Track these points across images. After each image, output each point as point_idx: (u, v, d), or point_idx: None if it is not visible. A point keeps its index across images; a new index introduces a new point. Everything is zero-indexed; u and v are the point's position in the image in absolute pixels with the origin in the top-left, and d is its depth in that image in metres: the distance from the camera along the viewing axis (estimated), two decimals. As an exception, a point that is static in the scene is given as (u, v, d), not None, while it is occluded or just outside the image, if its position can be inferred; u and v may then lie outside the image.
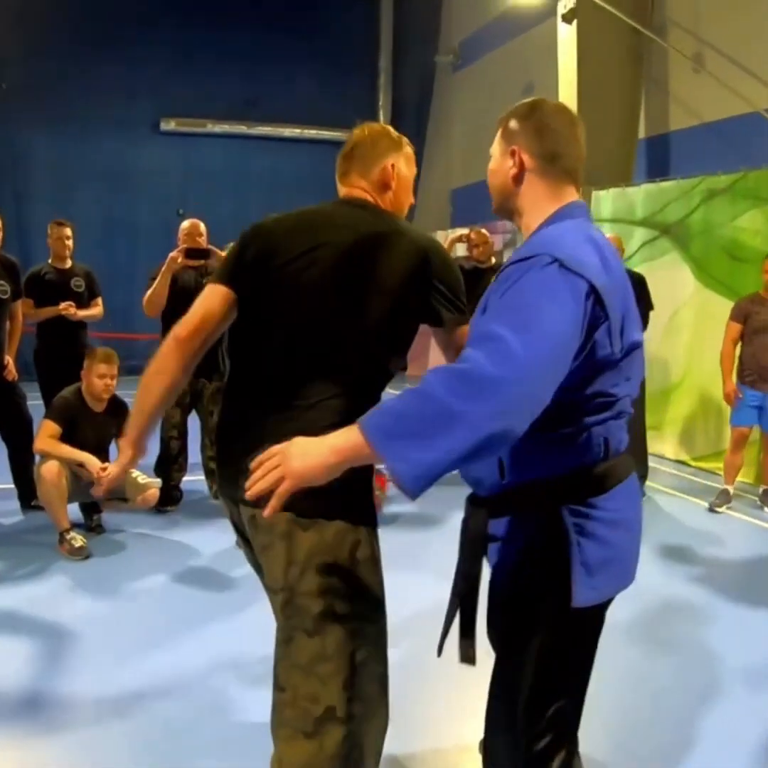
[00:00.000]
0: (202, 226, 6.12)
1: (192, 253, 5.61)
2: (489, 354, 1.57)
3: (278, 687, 2.19)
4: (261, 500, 2.02)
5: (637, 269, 7.45)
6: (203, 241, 6.02)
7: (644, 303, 6.70)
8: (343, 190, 2.42)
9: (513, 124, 2.05)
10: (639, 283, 6.73)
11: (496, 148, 2.10)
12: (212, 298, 2.32)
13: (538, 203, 2.01)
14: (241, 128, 14.67)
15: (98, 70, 13.14)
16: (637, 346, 1.88)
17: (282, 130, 14.90)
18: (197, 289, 5.76)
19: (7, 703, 3.44)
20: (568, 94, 9.62)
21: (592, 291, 1.71)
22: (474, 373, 1.55)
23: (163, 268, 5.57)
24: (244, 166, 14.60)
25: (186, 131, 14.44)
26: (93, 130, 13.62)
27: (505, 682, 1.99)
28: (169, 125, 14.33)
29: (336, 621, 2.11)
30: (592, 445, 1.87)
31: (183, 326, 2.28)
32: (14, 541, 5.47)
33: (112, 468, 2.60)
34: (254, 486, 1.72)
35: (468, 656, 1.94)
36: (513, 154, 2.02)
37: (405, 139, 2.50)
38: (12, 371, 5.98)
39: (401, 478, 1.55)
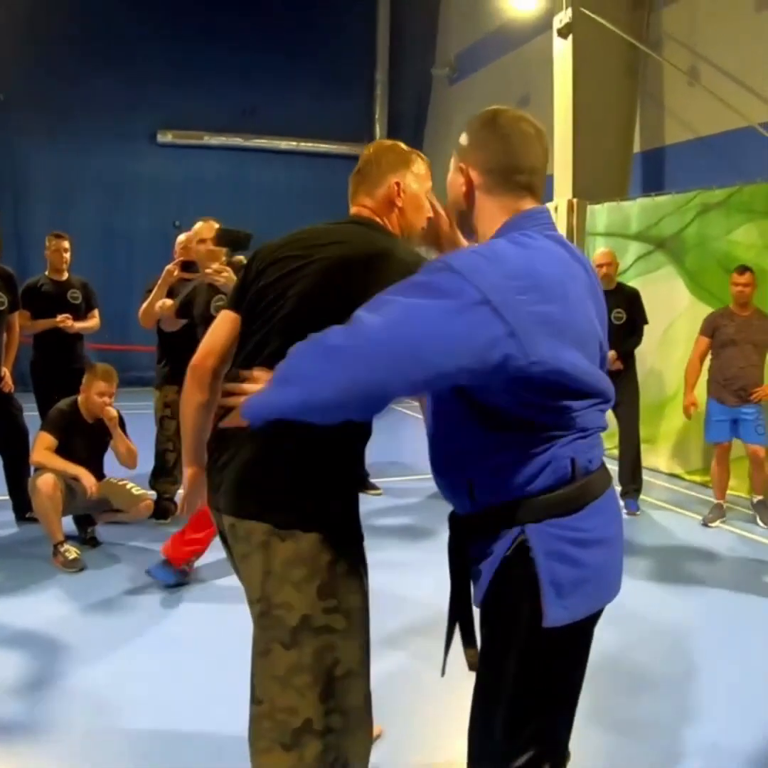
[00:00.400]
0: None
1: (188, 265, 5.62)
2: (345, 330, 1.67)
3: (255, 699, 2.19)
4: (240, 509, 2.17)
5: (631, 283, 7.48)
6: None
7: (638, 317, 6.74)
8: (352, 209, 2.44)
9: (463, 138, 1.98)
10: (633, 297, 6.76)
11: (451, 162, 2.02)
12: (221, 323, 2.44)
13: (493, 218, 1.93)
14: (238, 140, 14.70)
15: (97, 82, 13.16)
16: (582, 363, 1.79)
17: (279, 142, 14.94)
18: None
19: (2, 715, 3.44)
20: (563, 107, 9.65)
21: (485, 300, 1.64)
22: (323, 343, 1.68)
23: (160, 281, 5.59)
24: (241, 179, 14.63)
25: (183, 143, 14.48)
26: (91, 142, 13.64)
27: (484, 700, 1.97)
28: (166, 137, 14.36)
29: (313, 633, 2.11)
30: (558, 466, 1.83)
31: (196, 353, 2.44)
32: (8, 553, 5.47)
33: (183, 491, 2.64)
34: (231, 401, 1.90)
35: (474, 664, 1.99)
36: (462, 170, 1.96)
37: (416, 154, 2.49)
38: (8, 383, 5.99)
39: (244, 409, 1.80)
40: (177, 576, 4.88)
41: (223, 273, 4.53)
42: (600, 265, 6.60)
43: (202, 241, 5.10)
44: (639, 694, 3.74)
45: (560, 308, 1.75)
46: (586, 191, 9.35)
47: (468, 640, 2.02)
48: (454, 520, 2.01)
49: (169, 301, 5.49)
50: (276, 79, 14.30)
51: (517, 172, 1.91)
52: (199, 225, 5.32)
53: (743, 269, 6.38)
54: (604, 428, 1.94)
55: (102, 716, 3.44)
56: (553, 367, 1.71)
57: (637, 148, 10.10)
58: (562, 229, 9.13)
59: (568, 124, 9.54)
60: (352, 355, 1.64)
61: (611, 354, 6.03)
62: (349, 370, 1.64)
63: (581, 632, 1.93)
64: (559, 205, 9.40)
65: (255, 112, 14.44)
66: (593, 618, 1.94)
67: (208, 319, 4.89)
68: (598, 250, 7.56)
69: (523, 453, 1.82)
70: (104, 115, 13.55)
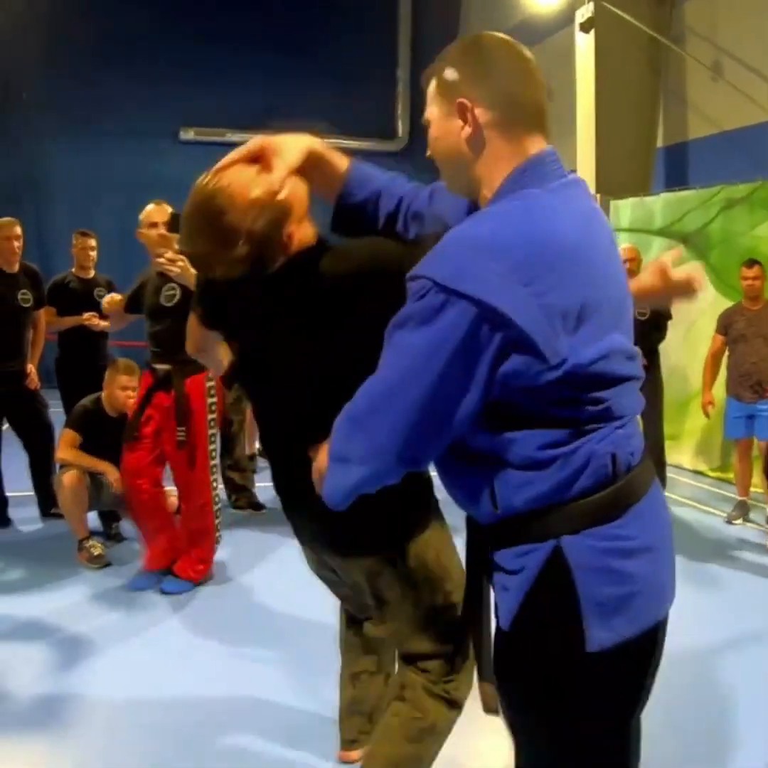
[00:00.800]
0: None
1: None
2: (361, 391, 1.56)
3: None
4: (339, 549, 2.29)
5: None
6: None
7: (662, 312, 6.69)
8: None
9: (451, 72, 1.60)
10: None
11: (433, 109, 1.64)
12: (193, 323, 2.65)
13: (502, 167, 1.59)
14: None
15: (118, 80, 13.20)
16: (617, 346, 1.55)
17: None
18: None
19: (25, 708, 3.49)
20: (585, 103, 9.62)
21: (478, 308, 1.40)
22: (350, 413, 1.58)
23: None
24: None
25: (205, 140, 14.50)
26: (113, 141, 13.67)
27: (529, 737, 1.71)
28: (188, 135, 14.41)
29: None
30: (597, 465, 1.56)
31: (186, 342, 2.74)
32: (33, 548, 5.51)
33: None
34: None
35: (491, 704, 1.75)
36: (462, 109, 1.57)
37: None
38: (34, 380, 6.03)
39: (326, 498, 1.66)
40: (192, 584, 4.84)
41: (177, 262, 4.21)
42: (624, 261, 6.56)
43: (153, 225, 4.72)
44: (656, 693, 3.72)
45: (583, 286, 1.48)
46: (609, 187, 9.31)
47: (485, 672, 1.75)
48: (473, 526, 1.76)
49: (117, 297, 5.24)
50: (297, 76, 14.29)
51: (524, 103, 1.60)
52: (149, 207, 4.90)
53: (751, 263, 6.35)
54: (640, 410, 1.68)
55: (122, 712, 3.47)
56: (578, 364, 1.47)
57: (659, 143, 10.05)
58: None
59: (590, 119, 9.51)
60: (372, 423, 1.53)
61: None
62: (377, 438, 1.53)
63: (637, 648, 1.66)
64: (581, 201, 9.36)
65: (277, 109, 14.38)
66: (652, 631, 1.67)
67: (158, 311, 4.64)
68: (622, 245, 7.52)
69: (555, 450, 1.54)
70: (125, 114, 13.58)
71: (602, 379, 1.53)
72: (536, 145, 1.60)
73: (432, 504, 2.36)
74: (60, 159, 13.49)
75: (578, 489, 1.55)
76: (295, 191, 2.01)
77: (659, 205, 8.67)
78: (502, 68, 1.59)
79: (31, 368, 6.03)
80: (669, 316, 6.74)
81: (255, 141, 1.98)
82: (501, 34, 1.67)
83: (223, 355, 2.88)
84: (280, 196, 1.95)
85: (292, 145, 1.94)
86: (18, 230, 5.98)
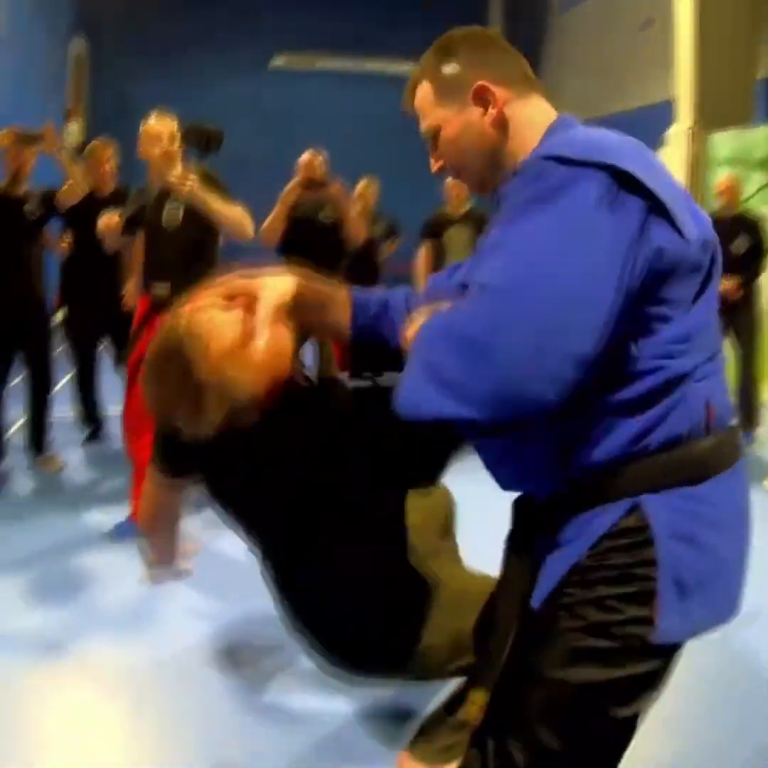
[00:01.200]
0: (321, 158, 6.07)
1: (310, 184, 5.67)
2: (474, 309, 1.24)
3: None
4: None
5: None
6: (322, 173, 5.96)
7: (762, 244, 6.51)
8: None
9: (450, 67, 1.53)
10: (756, 225, 6.53)
11: (439, 112, 1.55)
12: None
13: (532, 130, 1.50)
14: (351, 65, 14.62)
15: (203, 9, 13.29)
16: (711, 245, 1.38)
17: (391, 67, 14.80)
18: (314, 219, 5.72)
19: (115, 616, 3.61)
20: (685, 31, 9.33)
21: (610, 172, 1.26)
22: (460, 332, 1.24)
23: (281, 198, 5.69)
24: (355, 104, 14.57)
25: (294, 69, 14.48)
26: (204, 68, 13.76)
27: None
28: (278, 62, 14.39)
29: None
30: (691, 409, 1.34)
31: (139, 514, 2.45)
32: (127, 462, 5.61)
33: None
34: None
35: (478, 716, 1.51)
36: (480, 93, 1.50)
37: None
38: (131, 299, 5.96)
39: (402, 401, 1.30)
40: None
41: (187, 181, 4.03)
42: (722, 192, 6.44)
43: (156, 139, 4.47)
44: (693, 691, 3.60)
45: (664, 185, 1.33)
46: (708, 118, 9.07)
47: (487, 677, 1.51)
48: (526, 507, 1.53)
49: (116, 218, 5.05)
50: (389, 5, 14.15)
51: (524, 70, 1.57)
52: (151, 120, 4.59)
53: None
54: (721, 350, 1.46)
55: (197, 655, 3.40)
56: (704, 240, 1.34)
57: (760, 74, 9.72)
58: (682, 156, 8.91)
59: (689, 49, 9.24)
60: (493, 342, 1.19)
61: (732, 283, 5.95)
62: (494, 367, 1.19)
63: (677, 658, 1.40)
64: (678, 132, 9.17)
65: (368, 37, 14.26)
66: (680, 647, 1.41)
67: (159, 232, 4.40)
68: (720, 175, 7.34)
69: (648, 391, 1.30)
70: (216, 43, 13.69)
71: (712, 265, 1.37)
72: (549, 108, 1.55)
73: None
74: (149, 89, 13.60)
75: (668, 435, 1.33)
76: (276, 342, 1.74)
77: (760, 137, 8.42)
78: (489, 47, 1.56)
79: (127, 288, 6.01)
80: (766, 252, 6.57)
81: (234, 280, 1.76)
82: (462, 27, 1.61)
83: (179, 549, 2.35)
84: (259, 349, 1.68)
85: (277, 284, 1.69)
86: (109, 152, 5.94)
